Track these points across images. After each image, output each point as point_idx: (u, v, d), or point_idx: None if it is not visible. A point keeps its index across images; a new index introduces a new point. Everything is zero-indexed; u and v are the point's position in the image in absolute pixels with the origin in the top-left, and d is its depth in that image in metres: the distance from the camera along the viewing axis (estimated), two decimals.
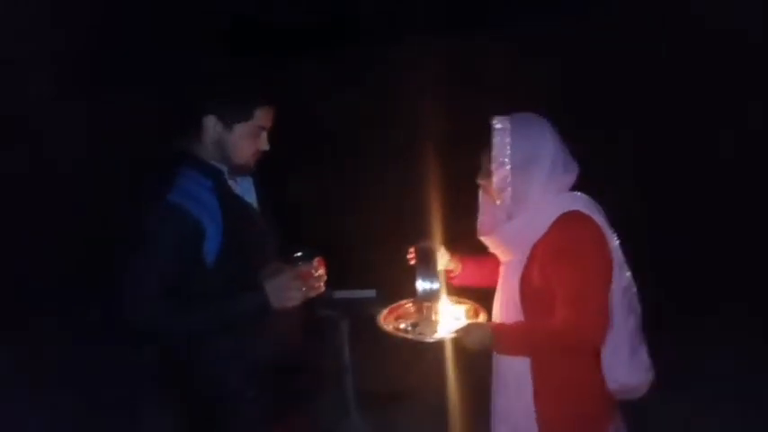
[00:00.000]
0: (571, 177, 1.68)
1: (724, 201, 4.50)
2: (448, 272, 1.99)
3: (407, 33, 5.07)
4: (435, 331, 1.90)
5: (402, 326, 1.95)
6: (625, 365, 1.68)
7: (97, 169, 4.09)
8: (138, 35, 4.31)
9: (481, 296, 1.97)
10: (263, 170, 1.83)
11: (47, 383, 3.26)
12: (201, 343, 1.72)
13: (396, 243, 2.02)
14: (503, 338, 1.68)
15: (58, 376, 3.37)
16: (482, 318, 1.91)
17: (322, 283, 1.79)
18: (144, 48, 4.28)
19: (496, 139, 1.64)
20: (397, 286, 2.06)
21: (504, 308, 1.76)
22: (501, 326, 1.74)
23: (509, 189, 1.65)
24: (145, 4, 4.40)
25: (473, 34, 5.08)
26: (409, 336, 1.89)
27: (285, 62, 5.11)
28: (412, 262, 1.94)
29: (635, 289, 1.72)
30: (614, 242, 1.67)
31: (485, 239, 1.79)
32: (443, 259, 1.96)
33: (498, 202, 1.71)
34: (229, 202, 1.72)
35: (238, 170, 1.76)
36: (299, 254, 1.77)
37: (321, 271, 1.78)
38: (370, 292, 2.87)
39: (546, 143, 1.64)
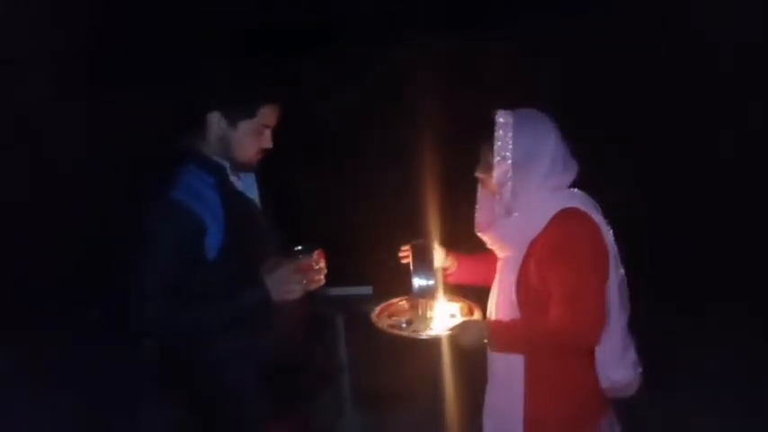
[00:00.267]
0: (570, 176, 1.68)
1: (724, 201, 4.50)
2: (444, 269, 1.99)
3: (407, 33, 5.07)
4: (430, 328, 1.90)
5: (396, 323, 1.94)
6: (617, 363, 1.69)
7: (97, 169, 4.08)
8: (138, 35, 4.30)
9: (476, 294, 1.97)
10: (266, 168, 1.84)
11: (47, 383, 3.25)
12: (202, 343, 1.72)
13: (395, 242, 2.02)
14: (498, 336, 1.68)
15: (58, 376, 3.36)
16: (476, 315, 1.92)
17: (323, 276, 1.79)
18: (144, 48, 4.28)
19: (499, 133, 1.64)
20: (395, 284, 2.06)
21: (500, 304, 1.76)
22: (496, 323, 1.74)
23: (509, 184, 1.65)
24: (145, 4, 4.40)
25: (473, 34, 5.07)
26: (404, 333, 1.89)
27: (285, 62, 5.10)
28: (404, 260, 1.94)
29: (626, 287, 1.72)
30: (610, 239, 1.67)
31: (482, 235, 1.79)
32: (440, 256, 1.96)
33: (497, 197, 1.71)
34: (232, 198, 1.73)
35: (241, 167, 1.77)
36: (300, 247, 1.78)
37: (322, 264, 1.79)
38: (366, 289, 2.87)
39: (548, 140, 1.64)
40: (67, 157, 4.03)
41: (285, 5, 5.24)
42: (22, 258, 3.86)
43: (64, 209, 3.95)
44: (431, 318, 1.94)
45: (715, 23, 4.54)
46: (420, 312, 1.96)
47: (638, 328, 1.76)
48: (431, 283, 1.87)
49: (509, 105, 1.71)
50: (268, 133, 1.75)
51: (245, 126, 1.71)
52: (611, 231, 1.69)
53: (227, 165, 1.74)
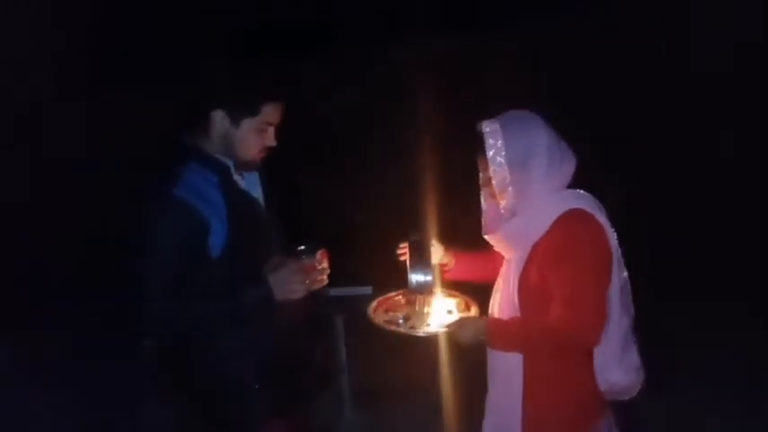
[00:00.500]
0: (570, 167, 1.67)
1: (724, 201, 4.50)
2: (442, 265, 1.99)
3: (407, 33, 5.07)
4: (427, 324, 1.89)
5: (393, 319, 1.94)
6: (616, 365, 1.68)
7: (97, 169, 4.08)
8: (138, 35, 4.30)
9: (474, 290, 1.97)
10: (269, 167, 1.84)
11: (47, 383, 3.25)
12: (202, 342, 1.72)
13: (395, 242, 2.02)
14: (497, 333, 1.68)
15: (58, 376, 3.36)
16: (474, 311, 1.91)
17: (325, 276, 1.79)
18: (144, 48, 4.28)
19: (489, 143, 1.63)
20: (395, 284, 2.05)
21: (502, 304, 1.76)
22: (495, 320, 1.74)
23: (510, 188, 1.65)
24: (145, 4, 4.40)
25: (473, 34, 5.07)
26: (401, 329, 1.89)
27: (285, 62, 5.10)
28: (402, 257, 1.94)
29: (630, 289, 1.71)
30: (614, 241, 1.67)
31: (489, 238, 1.78)
32: (437, 253, 1.96)
33: (502, 203, 1.70)
34: (235, 197, 1.73)
35: (244, 166, 1.77)
36: (303, 247, 1.77)
37: (324, 264, 1.79)
38: (366, 289, 2.85)
39: (539, 136, 1.63)
40: (67, 157, 4.03)
41: (285, 5, 5.24)
42: (22, 258, 3.87)
43: (64, 209, 3.96)
44: (428, 313, 1.93)
45: (715, 23, 4.54)
46: (417, 308, 1.95)
47: (637, 328, 1.75)
48: (428, 278, 1.86)
49: (509, 105, 1.71)
50: (271, 131, 1.75)
51: (248, 124, 1.71)
52: (615, 235, 1.68)
53: (230, 163, 1.74)
